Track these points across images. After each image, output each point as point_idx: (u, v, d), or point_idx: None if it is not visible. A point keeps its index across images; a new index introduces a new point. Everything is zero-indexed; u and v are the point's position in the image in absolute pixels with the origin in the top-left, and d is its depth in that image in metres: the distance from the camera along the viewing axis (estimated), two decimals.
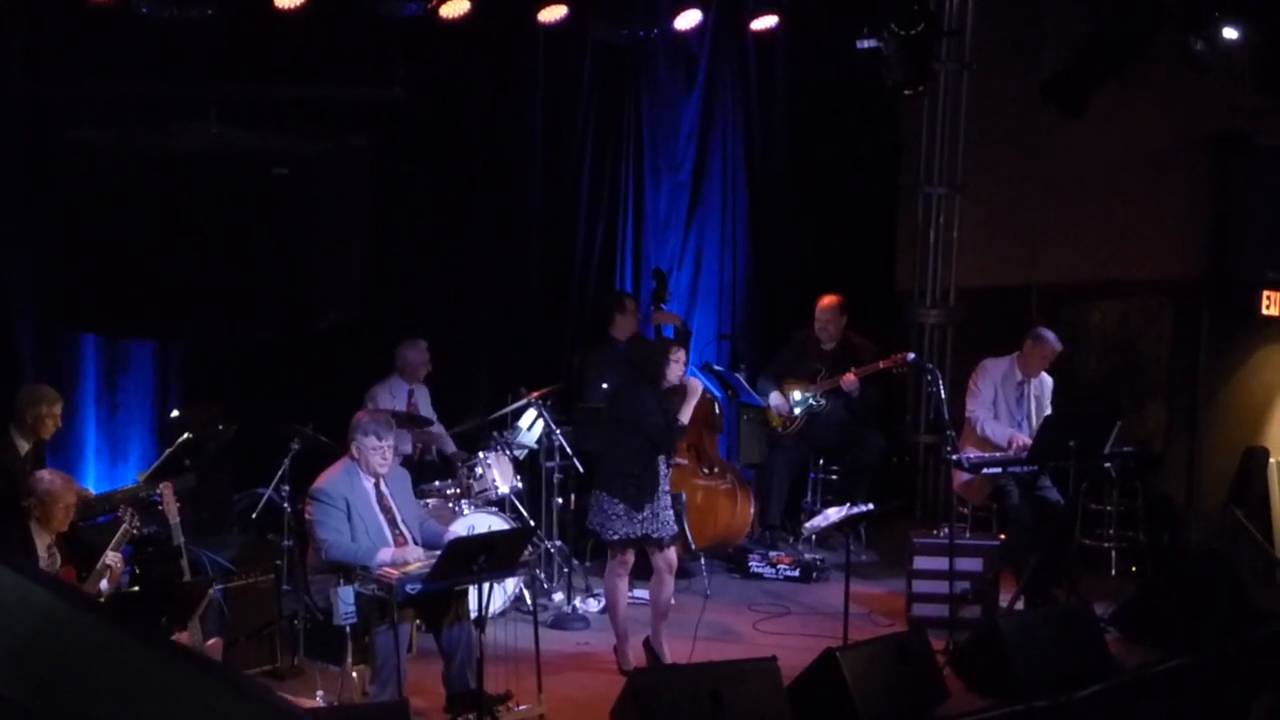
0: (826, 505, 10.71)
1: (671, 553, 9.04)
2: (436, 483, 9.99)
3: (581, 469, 10.09)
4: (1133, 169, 12.41)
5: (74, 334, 9.68)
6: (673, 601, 9.21)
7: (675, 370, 8.92)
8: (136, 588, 8.33)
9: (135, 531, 8.19)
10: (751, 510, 11.05)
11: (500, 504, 9.95)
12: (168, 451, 9.31)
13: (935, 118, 12.35)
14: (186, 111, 7.34)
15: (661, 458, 8.92)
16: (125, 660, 3.06)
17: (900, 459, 12.43)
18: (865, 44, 10.38)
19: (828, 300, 11.37)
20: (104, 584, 7.87)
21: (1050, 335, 10.26)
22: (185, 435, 9.32)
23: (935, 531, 10.27)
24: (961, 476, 10.16)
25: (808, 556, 11.08)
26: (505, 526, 9.45)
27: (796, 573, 10.92)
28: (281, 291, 7.02)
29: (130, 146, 7.04)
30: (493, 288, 11.41)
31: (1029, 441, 9.88)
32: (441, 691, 8.28)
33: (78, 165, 7.22)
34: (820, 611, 10.15)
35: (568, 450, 10.15)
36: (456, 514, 9.50)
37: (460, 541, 8.01)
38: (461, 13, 9.67)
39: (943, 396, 9.75)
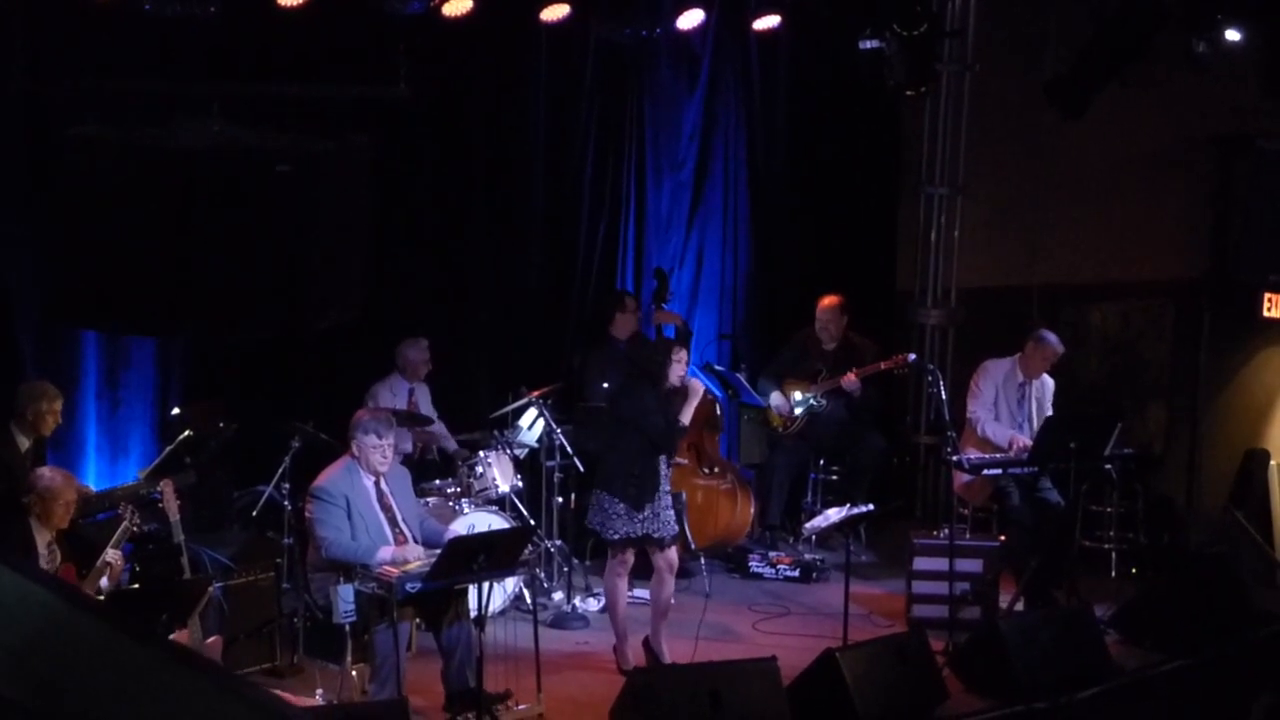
0: (827, 505, 10.71)
1: (673, 552, 9.04)
2: (437, 481, 9.99)
3: (582, 468, 10.09)
4: (1134, 170, 12.41)
5: (75, 331, 9.68)
6: (673, 601, 9.21)
7: (677, 370, 8.93)
8: (136, 585, 8.32)
9: (135, 529, 8.19)
10: (751, 510, 11.05)
11: (500, 503, 9.94)
12: (168, 449, 9.30)
13: (937, 118, 12.34)
14: (188, 109, 7.34)
15: (662, 457, 8.92)
16: (125, 661, 3.06)
17: (901, 459, 12.42)
18: (867, 44, 10.38)
19: (829, 300, 11.37)
20: (104, 581, 7.87)
21: (1052, 337, 10.25)
22: (186, 433, 9.32)
23: (935, 532, 10.27)
24: (962, 477, 10.16)
25: (808, 557, 11.08)
26: (505, 525, 9.45)
27: (796, 573, 10.92)
28: (283, 289, 7.01)
29: (132, 144, 7.03)
30: (494, 286, 11.41)
31: (1029, 443, 9.87)
32: (441, 690, 8.28)
33: (79, 162, 7.21)
34: (820, 612, 10.15)
35: (568, 449, 10.15)
36: (457, 512, 9.51)
37: (460, 540, 8.02)
38: (464, 11, 9.67)
39: (943, 397, 9.75)
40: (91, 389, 9.88)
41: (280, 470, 9.42)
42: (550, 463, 10.31)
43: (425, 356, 10.50)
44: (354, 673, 8.12)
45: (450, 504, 9.67)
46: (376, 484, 8.35)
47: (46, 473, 8.05)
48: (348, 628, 8.00)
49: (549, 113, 11.43)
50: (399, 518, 8.35)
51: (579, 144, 11.60)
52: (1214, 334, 12.54)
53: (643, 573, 9.30)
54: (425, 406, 10.53)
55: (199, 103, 7.58)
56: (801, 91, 12.33)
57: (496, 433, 10.36)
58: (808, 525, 9.96)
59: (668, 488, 8.97)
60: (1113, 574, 11.07)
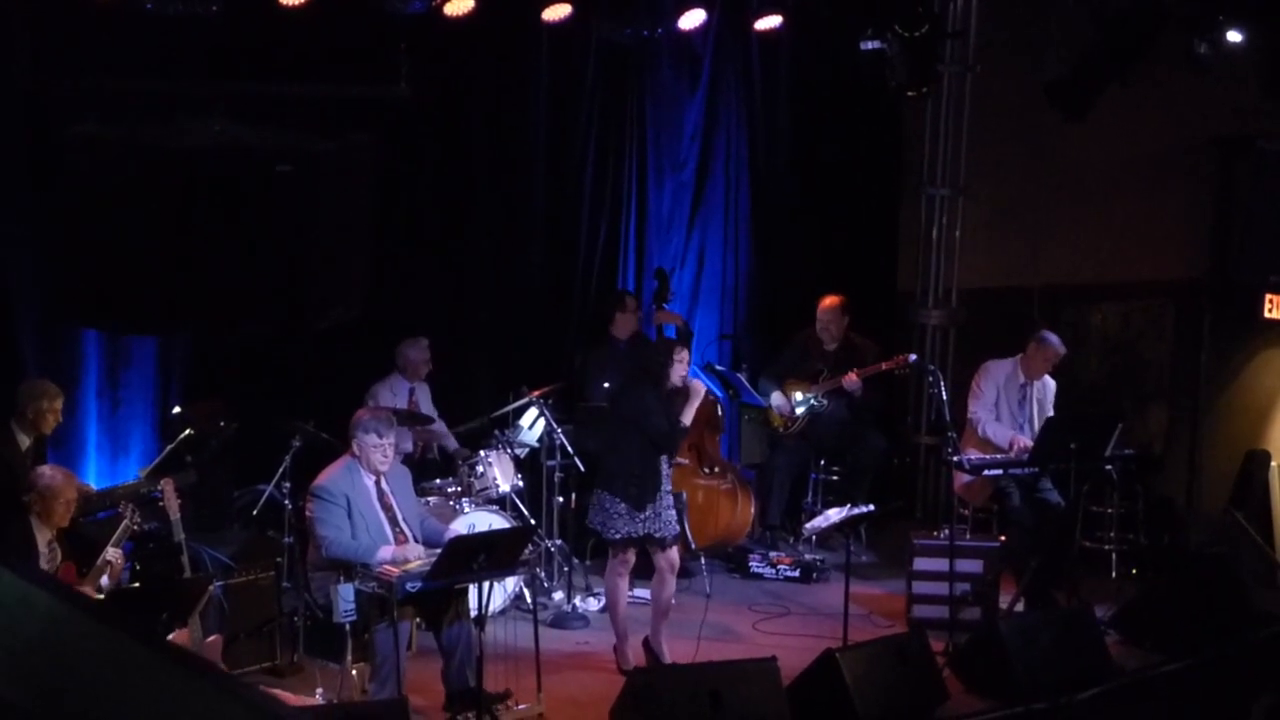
0: (827, 506, 10.72)
1: (674, 552, 9.04)
2: (437, 480, 10.00)
3: (582, 468, 10.09)
4: (1135, 171, 12.40)
5: (76, 330, 9.68)
6: (674, 601, 9.21)
7: (679, 371, 8.93)
8: (137, 584, 8.32)
9: (136, 527, 8.20)
10: (752, 510, 11.05)
11: (501, 502, 9.95)
12: (169, 448, 9.31)
13: (938, 119, 12.35)
14: (190, 109, 7.35)
15: (664, 457, 8.92)
16: (124, 662, 3.06)
17: (901, 460, 12.43)
18: (869, 45, 10.38)
19: (830, 301, 11.37)
20: (104, 580, 7.88)
21: (1054, 339, 10.25)
22: (186, 431, 9.33)
23: (936, 533, 10.27)
24: (962, 478, 10.16)
25: (808, 557, 11.08)
26: (506, 525, 9.46)
27: (797, 573, 10.92)
28: (283, 289, 7.01)
29: (134, 143, 7.03)
30: (495, 286, 11.42)
31: (1030, 443, 9.88)
32: (441, 689, 8.28)
33: (80, 162, 7.22)
34: (820, 612, 10.15)
35: (569, 449, 10.16)
36: (457, 512, 9.51)
37: (460, 540, 8.02)
38: (466, 11, 9.67)
39: (944, 398, 9.75)
40: (92, 387, 9.88)
41: (281, 469, 9.42)
42: (551, 462, 10.32)
43: (426, 356, 10.50)
44: (354, 672, 8.12)
45: (451, 503, 9.67)
46: (377, 483, 8.35)
47: (47, 471, 8.06)
48: (348, 627, 8.00)
49: (550, 112, 11.44)
50: (399, 517, 8.36)
51: (580, 144, 11.61)
52: (1215, 335, 12.53)
53: (643, 573, 9.30)
54: (426, 406, 10.54)
55: (200, 102, 7.58)
56: (803, 92, 12.34)
57: (497, 432, 10.37)
58: (808, 525, 9.96)
59: (669, 487, 8.97)
60: (1113, 575, 11.07)
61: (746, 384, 11.50)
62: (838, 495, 11.26)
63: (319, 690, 8.30)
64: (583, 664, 9.23)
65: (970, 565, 9.74)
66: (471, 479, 9.95)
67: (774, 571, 10.96)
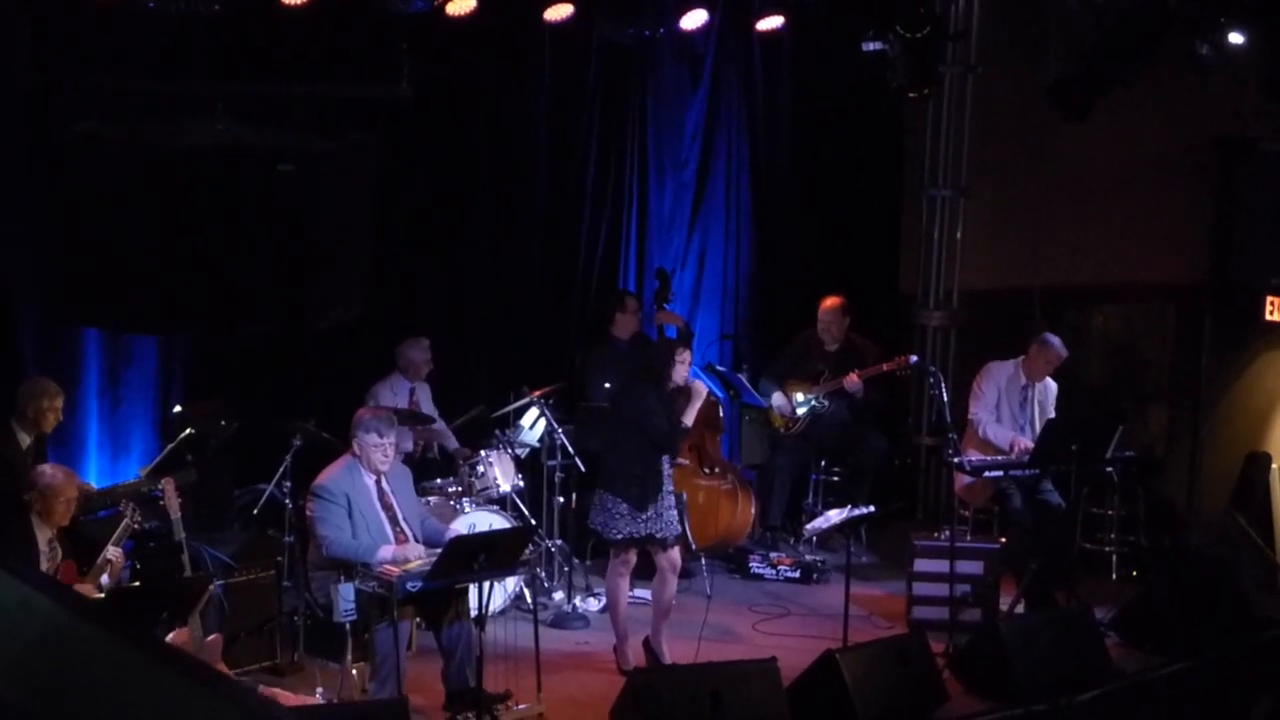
0: (828, 507, 10.74)
1: (675, 552, 9.05)
2: (438, 480, 10.00)
3: (583, 468, 10.09)
4: (1137, 172, 12.40)
5: (76, 328, 9.68)
6: (674, 602, 9.21)
7: (680, 371, 8.93)
8: (137, 583, 8.33)
9: (136, 526, 8.21)
10: (752, 511, 11.05)
11: (501, 502, 9.95)
12: (169, 447, 9.31)
13: (940, 120, 12.35)
14: (191, 108, 7.34)
15: (665, 457, 8.92)
16: (124, 666, 3.07)
17: (902, 461, 12.43)
18: (871, 46, 10.37)
19: (831, 301, 11.37)
20: (105, 578, 7.89)
21: (1056, 341, 10.25)
22: (187, 431, 9.33)
23: (936, 534, 10.27)
24: (963, 479, 10.16)
25: (808, 558, 11.08)
26: (506, 525, 9.46)
27: (797, 574, 10.92)
28: (284, 288, 6.99)
29: (135, 141, 7.02)
30: (496, 286, 11.42)
31: (1031, 445, 9.88)
32: (441, 689, 8.29)
33: (82, 160, 7.20)
34: (820, 613, 10.16)
35: (569, 449, 10.16)
36: (458, 512, 9.52)
37: (461, 540, 8.03)
38: (467, 10, 9.67)
39: (945, 399, 9.75)
40: (93, 386, 9.88)
41: (281, 468, 9.43)
42: (551, 462, 10.32)
43: (427, 356, 10.50)
44: (354, 671, 8.13)
45: (451, 503, 9.68)
46: (378, 483, 8.36)
47: (48, 470, 8.07)
48: (348, 626, 8.01)
49: (552, 112, 11.44)
50: (400, 516, 8.36)
51: (581, 143, 11.61)
52: (1215, 337, 12.52)
53: (643, 573, 9.30)
54: (426, 406, 10.54)
55: (202, 101, 7.57)
56: (804, 92, 12.34)
57: (498, 432, 10.37)
58: (809, 526, 9.97)
59: (671, 488, 8.98)
60: (1113, 576, 11.07)
61: (747, 385, 11.50)
62: (838, 496, 11.28)
63: (319, 689, 8.30)
64: (583, 664, 9.23)
65: (970, 567, 9.74)
66: (472, 479, 9.95)
67: (774, 572, 10.96)
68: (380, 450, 8.30)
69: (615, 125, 11.73)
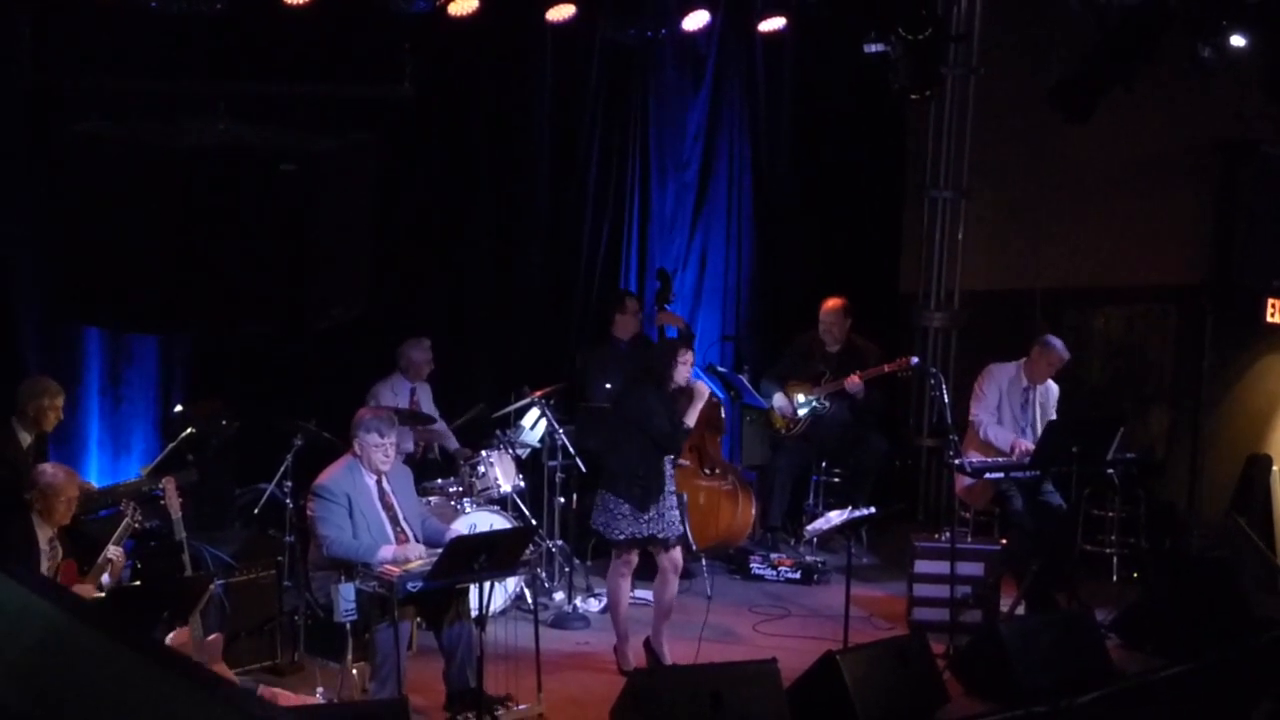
0: (828, 508, 10.74)
1: (677, 553, 9.05)
2: (439, 480, 10.00)
3: (584, 468, 10.10)
4: (1138, 174, 12.40)
5: (78, 327, 9.68)
6: (675, 602, 9.20)
7: (682, 372, 8.93)
8: (138, 582, 8.33)
9: (137, 526, 8.20)
10: (753, 512, 11.05)
11: (502, 502, 9.95)
12: (170, 446, 9.31)
13: (941, 121, 12.35)
14: (193, 107, 7.34)
15: (667, 458, 8.93)
16: (126, 672, 3.07)
17: (903, 462, 12.43)
18: (872, 48, 10.37)
19: (832, 303, 11.37)
20: (105, 578, 7.89)
21: (1058, 343, 10.24)
22: (188, 430, 9.33)
23: (937, 535, 10.27)
24: (964, 480, 10.15)
25: (809, 559, 11.07)
26: (507, 525, 9.46)
27: (797, 575, 10.92)
28: (285, 288, 6.98)
29: (136, 141, 7.01)
30: (497, 286, 11.41)
31: (1031, 447, 9.87)
32: (441, 689, 8.29)
33: (83, 159, 7.19)
34: (821, 614, 10.15)
35: (570, 449, 10.16)
36: (458, 512, 9.52)
37: (461, 540, 8.03)
38: (469, 10, 9.67)
39: (946, 400, 9.75)
40: (94, 385, 9.88)
41: (282, 468, 9.43)
42: (552, 463, 10.33)
43: (428, 356, 10.50)
44: (355, 671, 8.13)
45: (452, 503, 9.68)
46: (378, 483, 8.36)
47: (49, 469, 8.07)
48: (349, 626, 8.01)
49: (553, 112, 11.44)
50: (400, 516, 8.36)
51: (583, 144, 11.61)
52: (1217, 339, 12.53)
53: (643, 573, 9.30)
54: (427, 406, 10.53)
55: (203, 101, 7.56)
56: (806, 94, 12.33)
57: (499, 432, 10.37)
58: (809, 527, 9.97)
59: (673, 488, 8.98)
60: (1114, 578, 11.07)
61: (748, 385, 11.50)
62: (839, 497, 11.28)
63: (319, 689, 8.30)
64: (583, 664, 9.23)
65: (971, 568, 9.73)
66: (473, 479, 9.95)
67: (775, 573, 10.96)
68: (381, 450, 8.30)
69: (617, 126, 11.73)
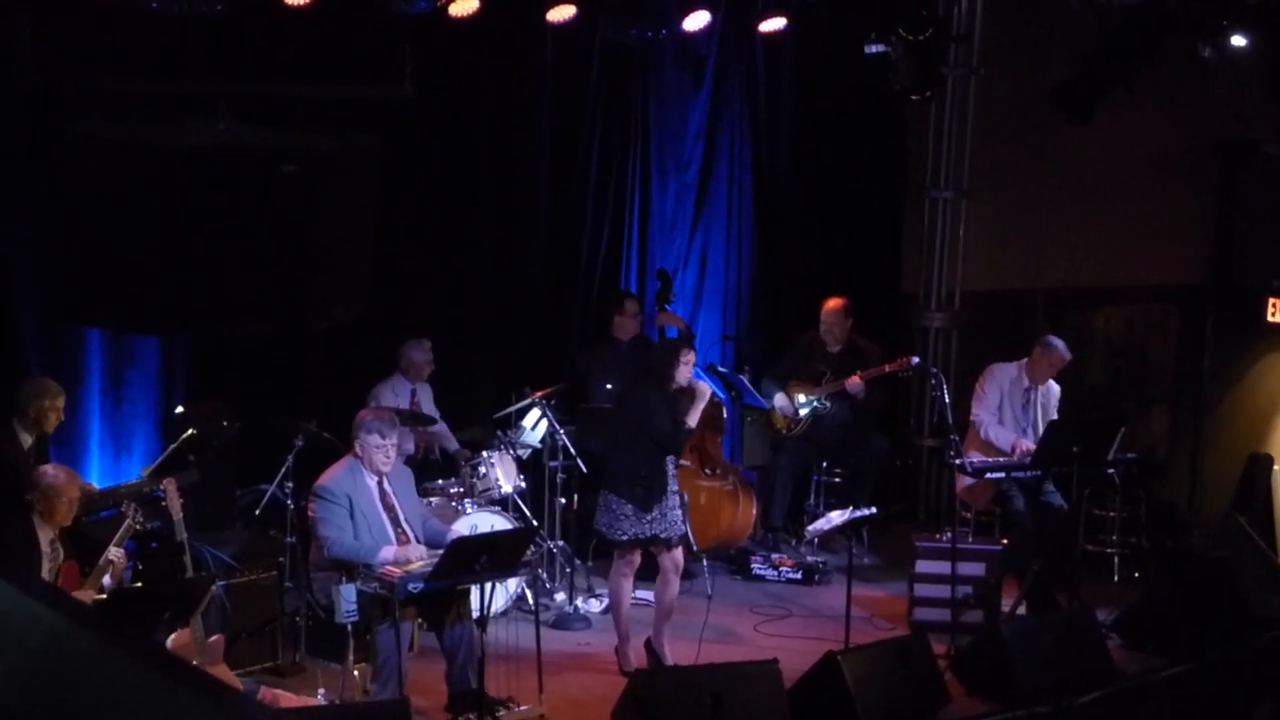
0: (829, 508, 10.73)
1: (679, 553, 9.05)
2: (440, 481, 9.99)
3: (585, 469, 10.10)
4: (1139, 174, 12.40)
5: (79, 328, 9.68)
6: (676, 603, 9.20)
7: (684, 372, 8.93)
8: (139, 583, 8.33)
9: (138, 527, 8.20)
10: (753, 512, 11.05)
11: (503, 503, 9.95)
12: (172, 447, 9.31)
13: (942, 122, 12.36)
14: (194, 107, 7.34)
15: (670, 458, 8.92)
16: (128, 680, 3.07)
17: (904, 462, 12.43)
18: (873, 48, 10.36)
19: (833, 303, 11.37)
20: (107, 579, 7.88)
21: (1060, 344, 10.24)
22: (189, 431, 9.33)
23: (938, 535, 10.28)
24: (965, 481, 10.15)
25: (810, 559, 11.07)
26: (508, 526, 9.46)
27: (798, 575, 10.92)
28: (286, 289, 6.99)
29: (137, 142, 7.01)
30: (497, 287, 11.41)
31: (1032, 447, 9.87)
32: (443, 690, 8.29)
33: (84, 160, 7.20)
34: (822, 614, 10.15)
35: (571, 450, 10.16)
36: (459, 513, 9.51)
37: (463, 541, 8.02)
38: (470, 11, 9.66)
39: (946, 400, 9.74)
40: (95, 386, 9.88)
41: (283, 469, 9.43)
42: (553, 463, 10.32)
43: (429, 357, 10.50)
44: (356, 672, 8.13)
45: (453, 504, 9.67)
46: (379, 484, 8.36)
47: (50, 470, 8.06)
48: (350, 627, 8.01)
49: (554, 113, 11.44)
50: (401, 517, 8.36)
51: (584, 144, 11.61)
52: (1218, 339, 12.53)
53: (644, 574, 9.30)
54: (428, 407, 10.53)
55: (204, 101, 7.57)
56: (807, 94, 12.34)
57: (500, 433, 10.37)
58: (810, 528, 9.97)
59: (675, 488, 8.98)
60: (1115, 578, 11.06)
61: (749, 386, 11.50)
62: (840, 497, 11.28)
63: (321, 690, 8.29)
64: (584, 665, 9.23)
65: (972, 568, 9.73)
66: (474, 480, 9.95)
67: (776, 573, 10.96)
68: (382, 451, 8.30)
69: (617, 126, 11.73)
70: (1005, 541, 10.11)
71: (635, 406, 8.93)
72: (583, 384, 11.09)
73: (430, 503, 9.42)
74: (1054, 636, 8.82)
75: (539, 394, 10.23)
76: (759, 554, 11.10)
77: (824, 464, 11.60)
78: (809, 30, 11.52)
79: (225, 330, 8.60)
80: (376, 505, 8.29)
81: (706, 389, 9.18)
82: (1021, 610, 9.68)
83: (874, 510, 9.56)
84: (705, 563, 10.56)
